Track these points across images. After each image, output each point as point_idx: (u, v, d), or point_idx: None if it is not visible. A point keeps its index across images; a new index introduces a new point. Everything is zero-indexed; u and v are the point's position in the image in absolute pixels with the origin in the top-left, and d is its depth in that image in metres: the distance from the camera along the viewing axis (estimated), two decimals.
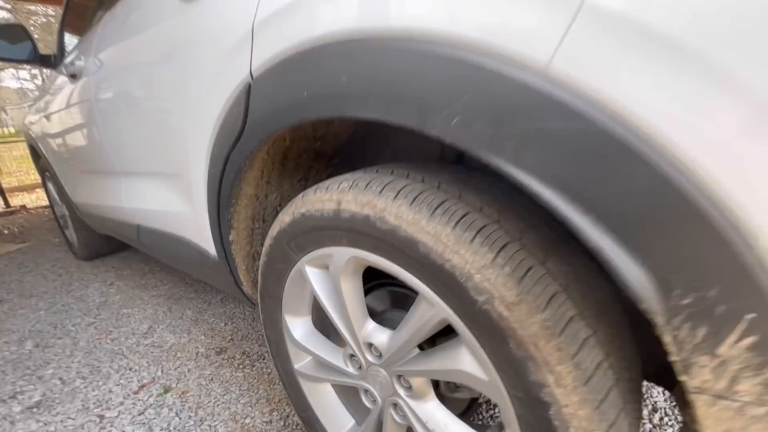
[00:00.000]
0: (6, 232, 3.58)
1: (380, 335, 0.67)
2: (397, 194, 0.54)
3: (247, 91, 0.64)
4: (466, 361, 0.53)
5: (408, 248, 0.52)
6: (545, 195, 0.37)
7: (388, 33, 0.45)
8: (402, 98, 0.45)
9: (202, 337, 1.53)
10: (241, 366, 1.34)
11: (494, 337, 0.47)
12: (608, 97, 0.32)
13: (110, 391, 1.24)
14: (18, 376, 1.36)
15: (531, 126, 0.36)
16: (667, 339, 0.35)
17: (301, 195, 0.69)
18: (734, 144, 0.29)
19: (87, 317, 1.76)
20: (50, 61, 1.90)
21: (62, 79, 1.79)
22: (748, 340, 0.32)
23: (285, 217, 0.71)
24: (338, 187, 0.61)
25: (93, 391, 1.25)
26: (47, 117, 2.06)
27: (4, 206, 4.60)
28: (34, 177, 6.56)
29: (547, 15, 0.34)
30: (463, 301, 0.48)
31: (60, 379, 1.32)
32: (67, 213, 2.44)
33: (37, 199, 5.31)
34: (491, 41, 0.38)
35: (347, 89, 0.50)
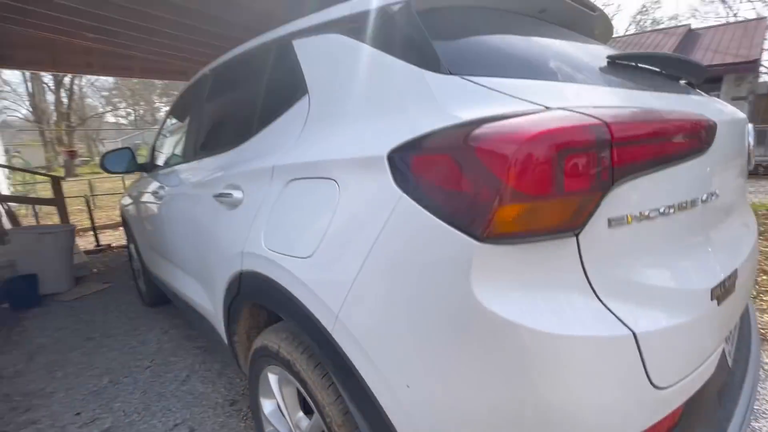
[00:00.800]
0: (95, 270, 4.49)
1: (303, 422, 1.13)
2: (304, 350, 1.02)
3: (240, 275, 1.18)
4: None
5: (305, 385, 0.99)
6: (338, 386, 0.83)
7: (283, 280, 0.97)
8: (294, 316, 0.94)
9: (222, 389, 2.05)
10: (245, 417, 1.83)
11: None
12: (350, 351, 0.79)
13: (154, 427, 1.78)
14: (97, 405, 1.96)
15: (328, 350, 0.83)
16: None
17: (267, 330, 1.19)
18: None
19: (145, 361, 2.37)
20: (145, 168, 2.67)
21: (150, 180, 2.52)
22: None
23: (258, 342, 1.21)
24: (282, 336, 1.10)
25: (143, 424, 1.79)
26: (136, 204, 2.82)
27: (95, 244, 5.67)
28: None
29: (332, 308, 0.82)
30: (323, 420, 0.94)
31: (123, 411, 1.89)
32: (140, 268, 3.17)
33: (120, 237, 6.40)
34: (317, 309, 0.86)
35: (276, 302, 1.01)
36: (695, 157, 0.74)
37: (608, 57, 0.88)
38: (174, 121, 2.59)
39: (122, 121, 41.99)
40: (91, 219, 5.80)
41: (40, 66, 6.39)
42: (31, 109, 24.80)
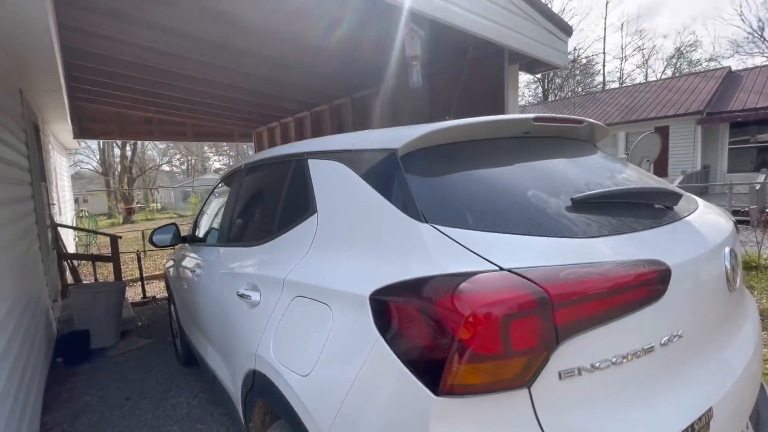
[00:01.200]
0: (139, 324, 4.81)
1: None
2: None
3: (254, 374, 1.30)
4: None
5: None
6: None
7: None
8: (293, 426, 1.04)
9: None
10: None
11: None
12: None
13: None
14: None
15: None
16: None
17: (275, 425, 1.29)
18: None
19: (175, 426, 2.50)
20: (186, 239, 2.96)
21: (190, 252, 2.78)
22: None
23: None
24: None
25: None
26: (176, 270, 3.10)
27: (142, 296, 6.10)
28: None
29: (322, 430, 0.92)
30: None
31: None
32: (178, 328, 3.39)
33: (164, 288, 6.83)
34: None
35: (280, 408, 1.11)
36: (648, 305, 0.80)
37: (572, 199, 0.97)
38: (214, 200, 2.89)
39: (176, 170, 45.79)
40: (140, 272, 6.28)
41: (111, 135, 7.31)
42: (99, 162, 27.85)
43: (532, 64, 3.87)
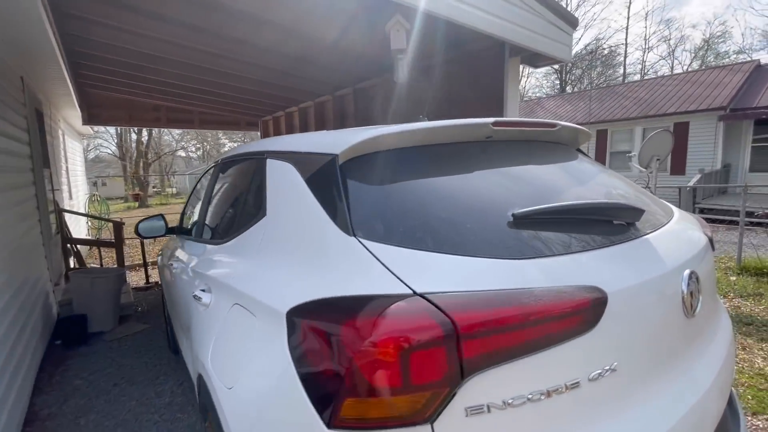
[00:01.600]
0: (139, 309, 4.91)
1: None
2: None
3: (200, 378, 1.29)
4: None
5: None
6: None
7: None
8: (212, 420, 1.02)
9: None
10: None
11: None
12: None
13: None
14: None
15: None
16: None
17: None
18: None
19: (156, 415, 2.54)
20: (174, 231, 2.97)
21: (175, 241, 2.80)
22: None
23: None
24: None
25: None
26: (162, 261, 3.12)
27: (145, 281, 6.22)
28: None
29: None
30: None
31: None
32: (167, 316, 3.44)
33: None
34: None
35: (213, 418, 1.09)
36: (575, 337, 0.74)
37: (514, 215, 0.90)
38: (200, 190, 2.89)
39: (192, 155, 46.44)
40: (144, 258, 6.40)
41: (119, 122, 7.41)
42: (117, 146, 28.47)
43: (534, 58, 3.72)
